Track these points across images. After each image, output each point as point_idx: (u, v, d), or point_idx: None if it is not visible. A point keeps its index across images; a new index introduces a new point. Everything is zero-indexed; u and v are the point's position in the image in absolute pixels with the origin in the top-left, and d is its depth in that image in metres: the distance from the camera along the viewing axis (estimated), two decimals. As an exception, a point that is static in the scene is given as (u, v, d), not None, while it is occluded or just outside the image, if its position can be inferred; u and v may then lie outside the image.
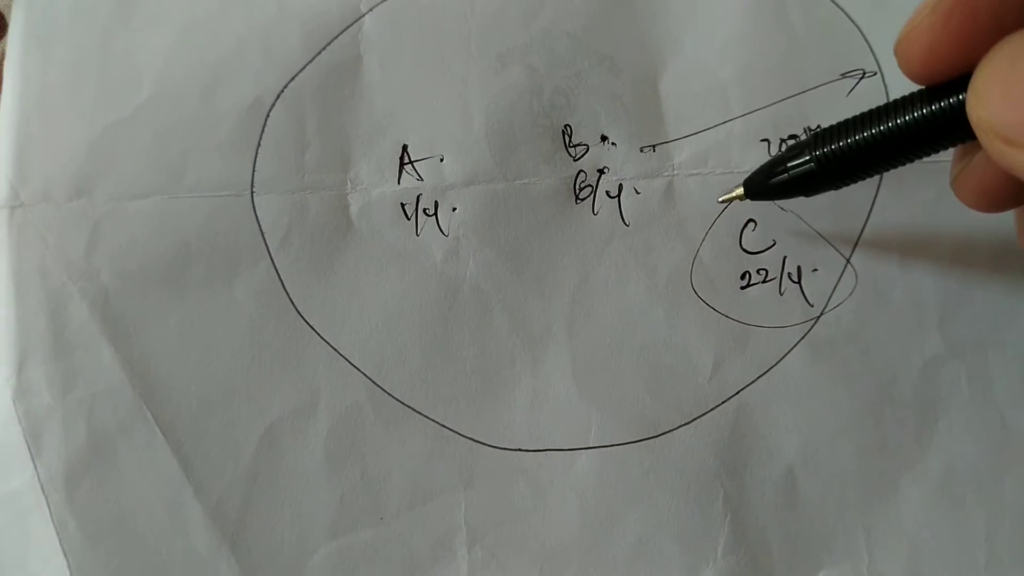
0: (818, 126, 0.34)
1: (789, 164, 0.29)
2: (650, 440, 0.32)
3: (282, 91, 0.34)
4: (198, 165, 0.33)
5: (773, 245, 0.34)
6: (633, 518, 0.32)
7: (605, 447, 0.32)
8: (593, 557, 0.32)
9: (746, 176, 0.31)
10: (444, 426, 0.32)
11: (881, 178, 0.34)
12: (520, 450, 0.32)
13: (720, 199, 0.32)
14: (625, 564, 0.32)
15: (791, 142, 0.34)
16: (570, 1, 0.35)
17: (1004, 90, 0.22)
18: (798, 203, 0.34)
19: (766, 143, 0.34)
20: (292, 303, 0.33)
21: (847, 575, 0.32)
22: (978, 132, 0.23)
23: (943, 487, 0.32)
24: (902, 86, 0.34)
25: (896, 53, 0.26)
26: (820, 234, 0.34)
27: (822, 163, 0.28)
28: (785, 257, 0.34)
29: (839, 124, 0.28)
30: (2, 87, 0.34)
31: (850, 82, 0.34)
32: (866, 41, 0.35)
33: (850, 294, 0.33)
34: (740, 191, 0.31)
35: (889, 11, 0.35)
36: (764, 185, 0.30)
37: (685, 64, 0.35)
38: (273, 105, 0.34)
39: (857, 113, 0.28)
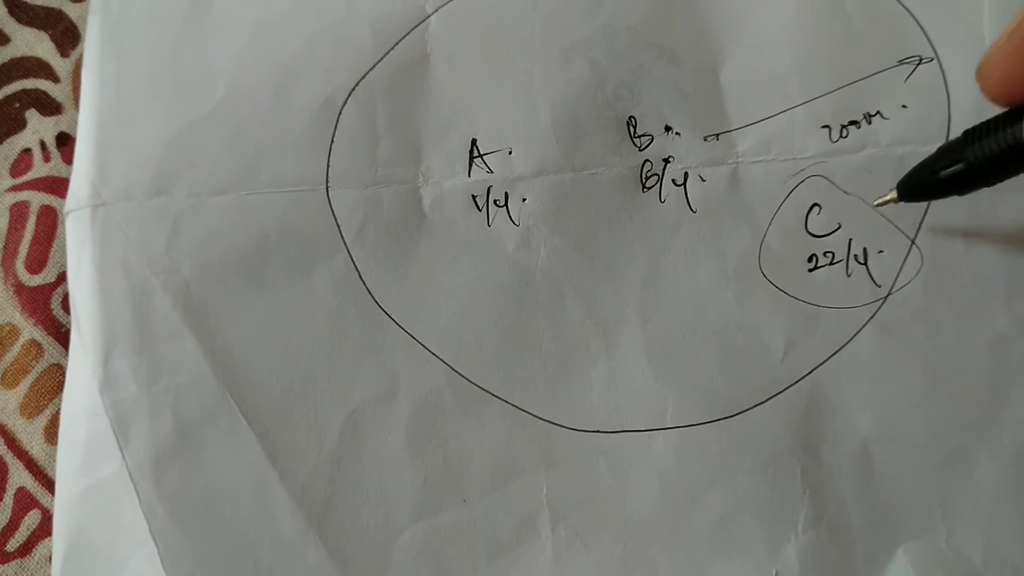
0: (877, 112, 0.35)
1: (939, 165, 0.30)
2: (726, 420, 0.33)
3: (353, 89, 0.35)
4: (274, 161, 0.34)
5: (838, 228, 0.34)
6: (713, 496, 0.32)
7: (682, 427, 0.33)
8: (676, 534, 0.32)
9: (902, 179, 0.32)
10: (522, 409, 0.33)
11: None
12: (598, 431, 0.33)
13: (875, 203, 0.33)
14: (708, 541, 0.32)
15: (862, 124, 0.35)
16: (630, -5, 0.36)
17: None
18: (859, 188, 0.34)
19: (827, 129, 0.35)
20: (370, 293, 0.33)
21: (926, 549, 0.32)
22: None
23: (1018, 461, 0.33)
24: (959, 71, 0.35)
25: (977, 77, 0.27)
26: (884, 216, 0.34)
27: (972, 163, 0.28)
28: (851, 240, 0.34)
29: (986, 123, 0.28)
30: (81, 93, 0.35)
31: (907, 68, 0.35)
32: (921, 28, 0.35)
33: (916, 274, 0.34)
34: (894, 194, 0.32)
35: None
36: (919, 186, 0.31)
37: (744, 55, 0.35)
38: (345, 102, 0.34)
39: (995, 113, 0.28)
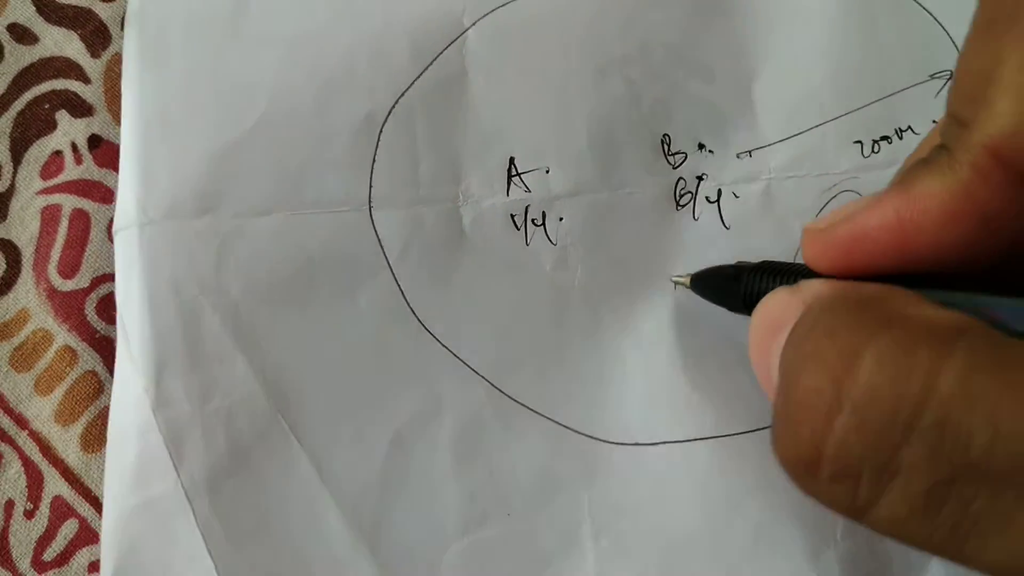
0: (909, 127, 0.35)
1: (728, 278, 0.29)
2: (763, 431, 0.34)
3: (393, 106, 0.35)
4: (317, 181, 0.34)
5: (870, 242, 0.35)
6: (753, 503, 0.33)
7: (720, 437, 0.34)
8: (717, 543, 0.33)
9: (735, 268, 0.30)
10: (563, 425, 0.34)
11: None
12: (637, 444, 0.34)
13: (672, 278, 0.33)
14: (749, 549, 0.33)
15: (882, 142, 0.35)
16: (665, 12, 0.36)
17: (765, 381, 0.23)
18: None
19: (859, 144, 0.35)
20: (413, 312, 0.34)
21: (958, 561, 0.33)
22: None
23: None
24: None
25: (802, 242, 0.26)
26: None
27: (746, 298, 0.28)
28: (882, 254, 0.35)
29: (771, 264, 0.28)
30: (122, 104, 0.35)
31: (939, 83, 0.36)
32: (953, 43, 0.36)
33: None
34: (687, 280, 0.32)
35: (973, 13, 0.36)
36: (707, 286, 0.31)
37: (777, 71, 0.36)
38: (385, 120, 0.35)
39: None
